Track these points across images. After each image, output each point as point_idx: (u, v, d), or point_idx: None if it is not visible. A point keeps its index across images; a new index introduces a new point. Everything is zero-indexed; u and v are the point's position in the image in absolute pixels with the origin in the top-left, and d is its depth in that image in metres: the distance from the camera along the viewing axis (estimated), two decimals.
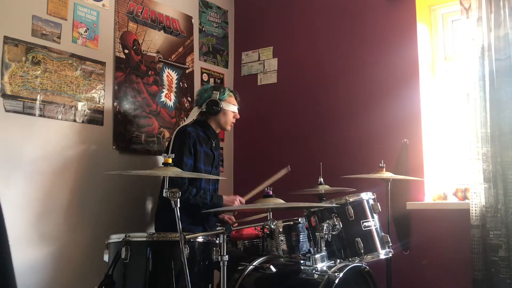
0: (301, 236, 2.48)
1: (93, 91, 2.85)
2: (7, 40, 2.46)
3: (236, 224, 2.85)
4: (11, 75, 2.47)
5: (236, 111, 2.89)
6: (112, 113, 2.94)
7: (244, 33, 3.96)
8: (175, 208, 1.84)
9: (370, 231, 2.36)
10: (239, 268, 2.22)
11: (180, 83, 3.44)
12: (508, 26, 2.70)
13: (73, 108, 2.74)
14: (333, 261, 2.14)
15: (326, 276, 1.98)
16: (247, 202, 2.82)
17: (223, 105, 2.80)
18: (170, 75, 3.36)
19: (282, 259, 2.31)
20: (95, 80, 2.87)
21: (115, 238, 2.07)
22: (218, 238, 1.95)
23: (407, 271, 2.94)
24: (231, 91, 2.90)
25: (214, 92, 2.79)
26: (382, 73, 3.23)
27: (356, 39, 3.37)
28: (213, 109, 2.77)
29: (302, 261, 2.17)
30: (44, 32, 2.63)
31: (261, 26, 3.88)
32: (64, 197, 2.66)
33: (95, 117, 2.85)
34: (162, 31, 3.34)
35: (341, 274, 1.98)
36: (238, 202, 2.78)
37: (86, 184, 2.77)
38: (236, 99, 2.90)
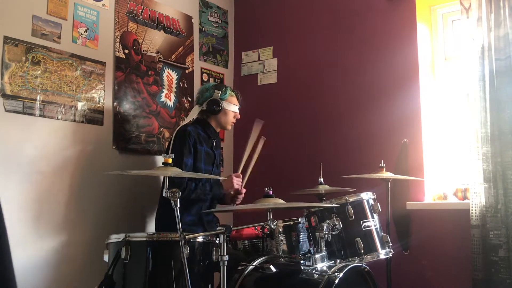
0: (301, 236, 2.48)
1: (93, 91, 2.85)
2: (7, 40, 2.46)
3: (239, 200, 2.85)
4: (11, 75, 2.47)
5: (237, 111, 2.87)
6: (112, 113, 2.94)
7: (244, 33, 3.96)
8: (175, 208, 1.84)
9: (370, 231, 2.36)
10: (239, 268, 2.21)
11: (180, 83, 3.44)
12: (508, 26, 2.70)
13: (73, 108, 2.74)
14: (333, 261, 2.14)
15: (326, 276, 1.98)
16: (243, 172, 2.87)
17: (224, 104, 2.78)
18: (170, 75, 3.36)
19: (282, 259, 2.31)
20: (95, 80, 2.86)
21: (115, 238, 2.07)
22: (218, 238, 1.95)
23: (407, 271, 2.94)
24: (233, 91, 2.88)
25: (216, 91, 2.78)
26: (382, 73, 3.23)
27: (356, 39, 3.37)
28: (214, 108, 2.76)
29: (302, 261, 2.17)
30: (44, 32, 2.63)
31: (261, 26, 3.87)
32: (64, 197, 2.66)
33: (95, 117, 2.85)
34: (162, 31, 3.34)
35: (341, 274, 1.98)
36: (235, 180, 2.78)
37: (86, 184, 2.76)
38: (237, 98, 2.88)
